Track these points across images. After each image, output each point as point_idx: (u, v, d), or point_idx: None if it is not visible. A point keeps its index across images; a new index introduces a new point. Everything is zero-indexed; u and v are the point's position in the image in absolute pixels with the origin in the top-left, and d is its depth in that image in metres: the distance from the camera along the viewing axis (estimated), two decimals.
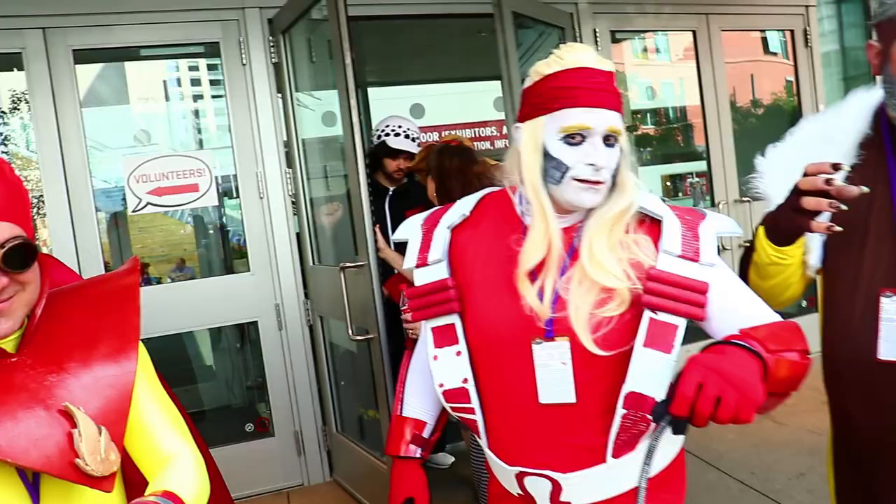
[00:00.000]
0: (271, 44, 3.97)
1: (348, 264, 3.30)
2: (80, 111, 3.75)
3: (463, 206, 1.63)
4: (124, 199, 5.44)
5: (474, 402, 1.54)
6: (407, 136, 3.70)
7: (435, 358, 1.60)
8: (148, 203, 3.84)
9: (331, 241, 4.04)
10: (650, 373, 1.34)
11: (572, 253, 1.47)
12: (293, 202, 4.03)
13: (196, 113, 7.51)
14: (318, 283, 3.96)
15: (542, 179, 1.44)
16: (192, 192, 3.90)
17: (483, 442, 1.59)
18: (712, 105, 5.24)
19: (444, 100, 7.96)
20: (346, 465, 4.05)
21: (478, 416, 1.55)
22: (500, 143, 7.79)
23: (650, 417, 1.28)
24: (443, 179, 2.86)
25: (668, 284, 1.38)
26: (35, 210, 6.15)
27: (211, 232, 6.25)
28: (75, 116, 3.74)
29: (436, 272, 1.59)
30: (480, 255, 1.57)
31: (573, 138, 1.40)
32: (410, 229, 1.71)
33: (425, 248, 1.63)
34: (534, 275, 1.45)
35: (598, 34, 4.76)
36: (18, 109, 6.07)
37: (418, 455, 1.82)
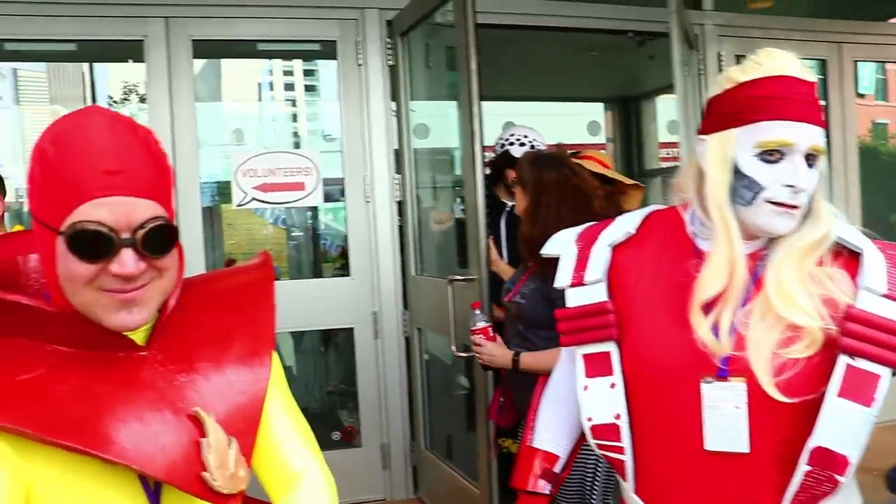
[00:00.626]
0: (388, 46, 3.89)
1: (457, 277, 3.17)
2: (194, 105, 3.74)
3: (627, 224, 1.48)
4: (214, 195, 5.49)
5: (625, 442, 1.39)
6: (532, 147, 3.48)
7: (585, 388, 1.46)
8: (253, 198, 3.80)
9: (436, 251, 3.93)
10: (844, 427, 1.17)
11: (754, 283, 1.31)
12: (399, 209, 3.93)
13: (293, 116, 7.59)
14: (419, 293, 3.85)
15: (729, 199, 1.28)
16: (297, 190, 3.84)
17: (628, 485, 1.43)
18: (839, 147, 4.90)
19: (537, 120, 7.83)
20: (432, 483, 3.92)
21: (627, 458, 1.39)
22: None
23: (839, 479, 1.15)
24: (539, 194, 2.53)
25: (870, 327, 1.19)
26: None
27: (299, 233, 6.24)
28: (190, 109, 3.73)
29: (593, 293, 1.44)
30: (644, 278, 1.41)
31: (771, 155, 1.24)
32: (562, 244, 1.57)
33: (581, 265, 1.48)
34: (708, 305, 1.29)
35: (722, 57, 4.55)
36: (128, 101, 6.19)
37: (547, 491, 1.68)
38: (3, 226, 2.21)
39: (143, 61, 3.70)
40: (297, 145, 6.68)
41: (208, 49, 4.08)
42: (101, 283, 1.00)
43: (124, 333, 1.06)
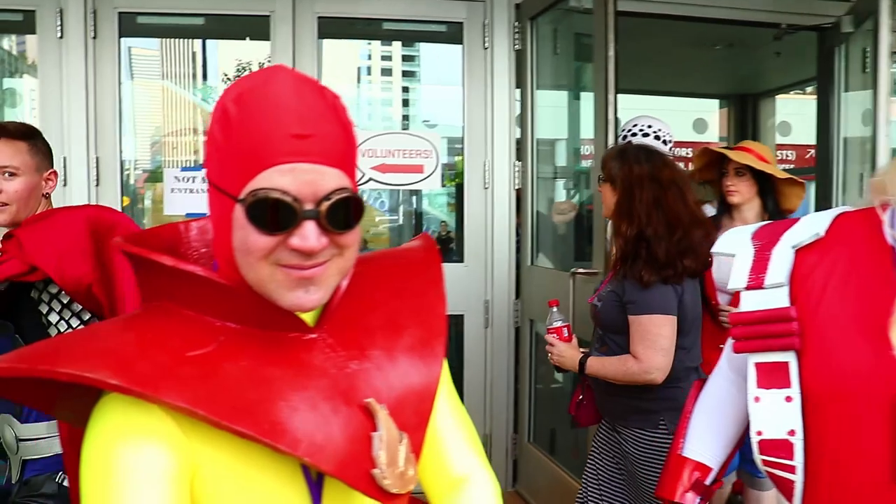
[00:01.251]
0: (516, 30, 3.80)
1: (580, 270, 3.07)
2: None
3: (815, 225, 1.36)
4: None
5: (797, 461, 1.27)
6: (657, 138, 3.28)
7: (756, 399, 1.34)
8: (370, 178, 3.78)
9: (553, 241, 3.84)
10: None
11: None
12: (518, 197, 3.85)
13: (391, 100, 7.58)
14: (534, 284, 3.77)
15: None
16: (416, 172, 3.80)
17: None
18: None
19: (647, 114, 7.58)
20: (533, 477, 3.84)
21: (797, 478, 1.28)
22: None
23: None
24: (630, 189, 2.35)
25: None
26: None
27: (395, 216, 6.21)
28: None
29: (773, 298, 1.32)
30: (832, 285, 1.29)
31: None
32: (736, 243, 1.46)
33: (760, 267, 1.37)
34: None
35: None
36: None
37: None
38: (50, 201, 2.17)
39: (261, 39, 3.71)
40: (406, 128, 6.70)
41: (333, 30, 4.05)
42: (278, 257, 0.91)
43: (298, 314, 0.97)
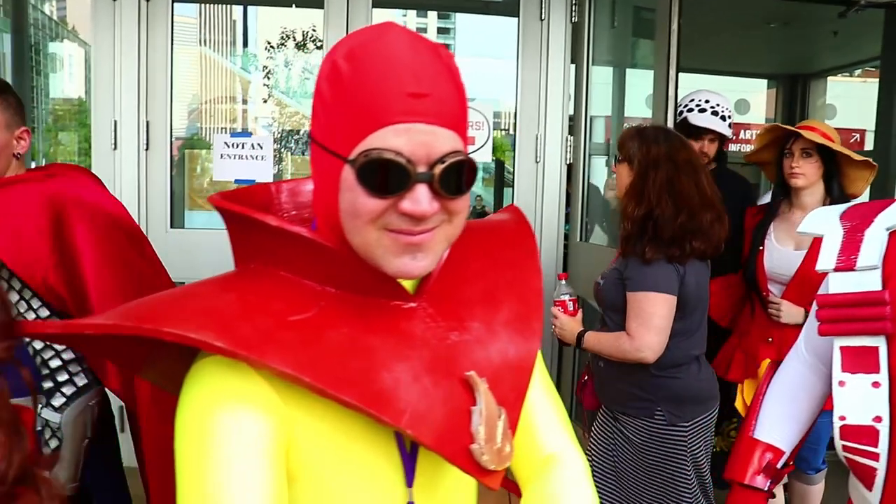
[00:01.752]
0: (574, 1, 3.73)
1: None
2: None
3: None
4: None
5: (882, 448, 1.24)
6: (715, 113, 3.19)
7: (841, 384, 1.31)
8: None
9: (603, 218, 3.79)
10: None
11: None
12: (569, 173, 3.80)
13: None
14: (583, 261, 3.72)
15: None
16: (468, 144, 3.75)
17: (872, 496, 1.28)
18: None
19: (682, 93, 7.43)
20: None
21: (880, 466, 1.25)
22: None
23: None
24: (646, 170, 2.32)
25: None
26: (284, 147, 6.30)
27: None
28: None
29: (865, 281, 1.29)
30: None
31: None
32: (825, 222, 1.42)
33: (851, 248, 1.34)
34: None
35: None
36: (285, 46, 6.26)
37: (765, 488, 1.54)
38: (23, 163, 1.93)
39: (308, 6, 3.66)
40: None
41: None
42: (387, 221, 0.87)
43: (399, 281, 0.94)
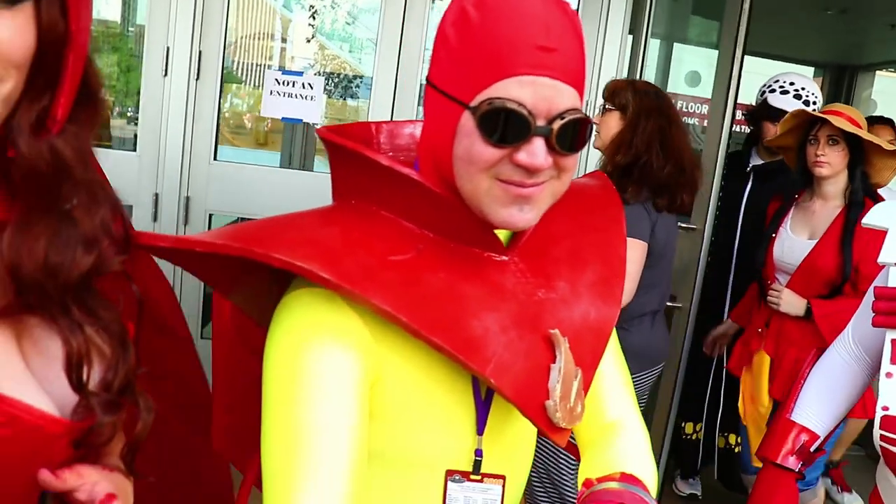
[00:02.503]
0: None
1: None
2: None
3: None
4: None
5: None
6: (798, 97, 3.03)
7: (888, 375, 1.35)
8: None
9: None
10: None
11: None
12: None
13: None
14: None
15: None
16: None
17: None
18: None
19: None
20: None
21: None
22: None
23: None
24: (637, 119, 2.32)
25: None
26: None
27: None
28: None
29: None
30: None
31: None
32: (890, 216, 1.44)
33: None
34: None
35: None
36: None
37: (797, 469, 1.58)
38: None
39: None
40: None
41: None
42: (499, 171, 0.88)
43: (496, 233, 0.97)
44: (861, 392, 1.62)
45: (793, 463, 1.58)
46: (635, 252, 2.18)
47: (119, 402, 0.77)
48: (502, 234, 1.00)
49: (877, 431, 1.35)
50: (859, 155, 2.59)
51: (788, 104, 3.02)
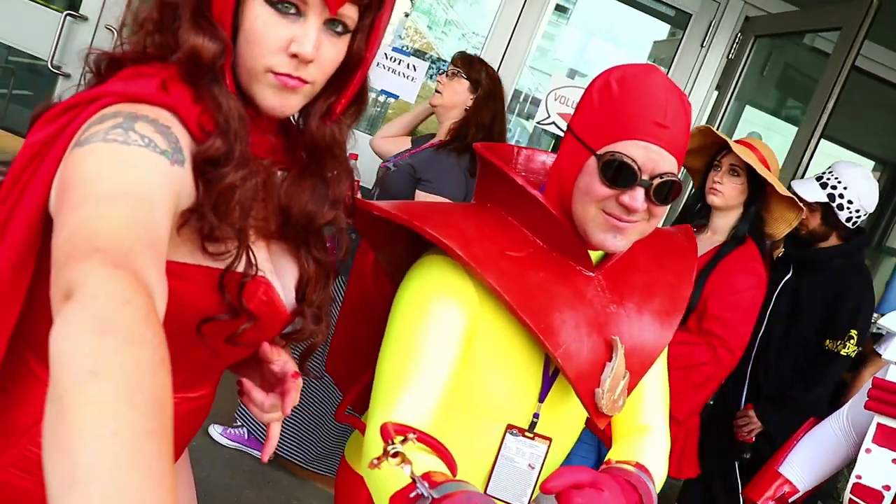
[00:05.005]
0: (736, 40, 3.93)
1: None
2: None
3: None
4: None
5: None
6: (819, 180, 2.69)
7: (868, 451, 1.62)
8: (553, 122, 4.00)
9: None
10: None
11: None
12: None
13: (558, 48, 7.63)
14: None
15: None
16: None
17: None
18: None
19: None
20: None
21: None
22: None
23: None
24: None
25: None
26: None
27: None
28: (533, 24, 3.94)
29: None
30: None
31: None
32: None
33: None
34: None
35: None
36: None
37: None
38: None
39: None
40: None
41: None
42: (605, 205, 1.16)
43: (590, 253, 1.25)
44: (843, 462, 1.88)
45: None
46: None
47: (320, 316, 1.08)
48: (594, 256, 1.29)
49: (847, 494, 1.64)
50: (758, 195, 2.42)
51: (800, 187, 2.70)
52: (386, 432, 1.02)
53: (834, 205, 2.63)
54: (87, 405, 0.50)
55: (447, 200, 2.50)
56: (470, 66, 2.76)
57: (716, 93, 4.01)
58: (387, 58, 3.98)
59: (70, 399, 0.50)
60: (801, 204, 2.41)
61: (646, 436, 1.36)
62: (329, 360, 1.53)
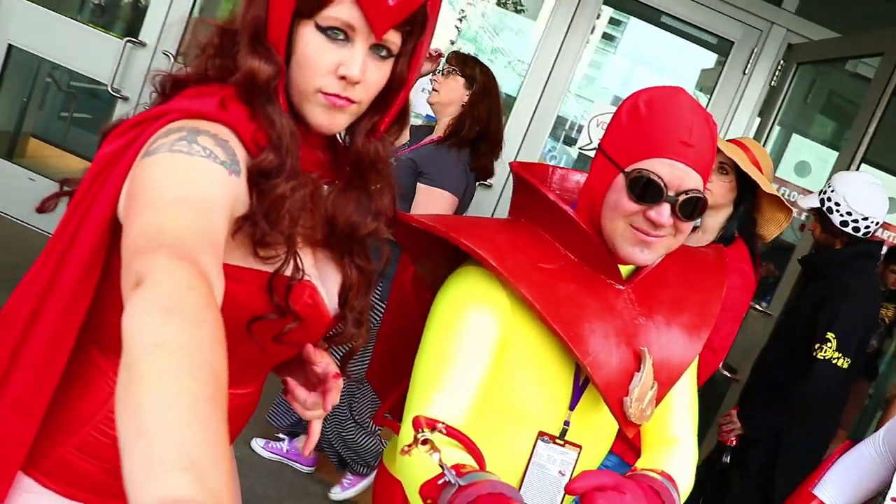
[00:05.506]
0: (779, 67, 3.96)
1: (756, 306, 3.29)
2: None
3: None
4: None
5: None
6: (846, 224, 2.64)
7: None
8: (594, 148, 4.06)
9: None
10: None
11: None
12: None
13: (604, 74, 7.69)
14: None
15: None
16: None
17: None
18: None
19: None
20: None
21: None
22: None
23: None
24: (482, 97, 2.78)
25: None
26: None
27: None
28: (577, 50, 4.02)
29: None
30: None
31: None
32: None
33: None
34: None
35: None
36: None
37: None
38: None
39: None
40: None
41: (620, 2, 4.32)
42: (633, 220, 1.21)
43: (619, 268, 1.29)
44: (879, 485, 1.88)
45: None
46: (446, 202, 2.63)
47: (361, 321, 1.15)
48: (625, 271, 1.33)
49: None
50: (748, 195, 2.36)
51: (806, 199, 2.82)
52: (417, 423, 1.08)
53: (824, 208, 2.65)
54: (153, 373, 0.57)
55: (447, 193, 2.62)
56: (464, 63, 2.85)
57: (758, 119, 4.03)
58: (431, 83, 4.07)
59: (139, 367, 0.58)
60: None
61: (674, 447, 1.39)
62: (370, 368, 1.60)
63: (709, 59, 4.47)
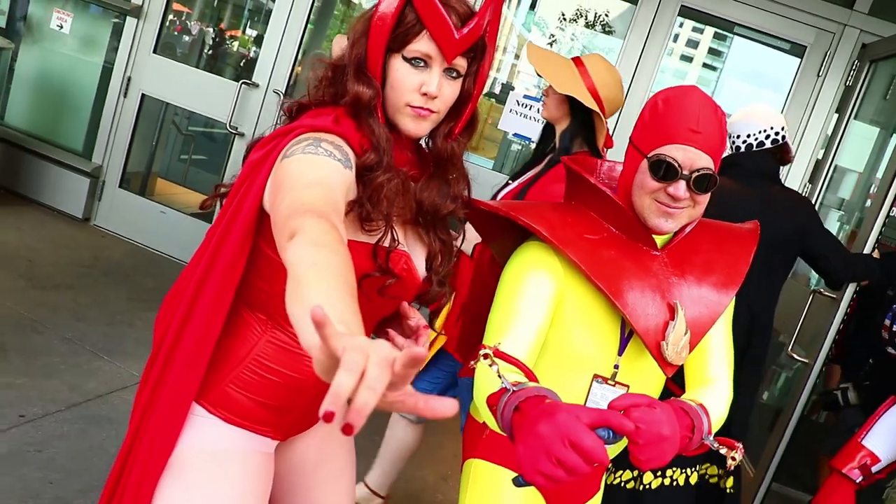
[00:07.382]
0: (854, 68, 4.07)
1: (823, 291, 3.31)
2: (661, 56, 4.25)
3: None
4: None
5: None
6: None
7: None
8: None
9: None
10: None
11: None
12: None
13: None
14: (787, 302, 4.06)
15: None
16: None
17: None
18: None
19: None
20: None
21: None
22: None
23: None
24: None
25: None
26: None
27: None
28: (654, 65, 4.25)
29: None
30: None
31: None
32: None
33: None
34: None
35: None
36: (575, 22, 6.84)
37: (858, 480, 2.07)
38: None
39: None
40: None
41: (694, 14, 4.53)
42: (657, 195, 1.47)
43: (653, 235, 1.54)
44: None
45: (855, 475, 2.07)
46: None
47: (444, 282, 1.47)
48: (660, 241, 1.58)
49: None
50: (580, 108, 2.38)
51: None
52: (480, 347, 1.38)
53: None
54: (312, 279, 0.88)
55: None
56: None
57: (835, 117, 4.15)
58: (518, 104, 4.39)
59: (303, 278, 0.89)
60: (600, 112, 2.36)
61: (712, 386, 1.60)
62: (449, 336, 1.90)
63: (788, 62, 4.58)
